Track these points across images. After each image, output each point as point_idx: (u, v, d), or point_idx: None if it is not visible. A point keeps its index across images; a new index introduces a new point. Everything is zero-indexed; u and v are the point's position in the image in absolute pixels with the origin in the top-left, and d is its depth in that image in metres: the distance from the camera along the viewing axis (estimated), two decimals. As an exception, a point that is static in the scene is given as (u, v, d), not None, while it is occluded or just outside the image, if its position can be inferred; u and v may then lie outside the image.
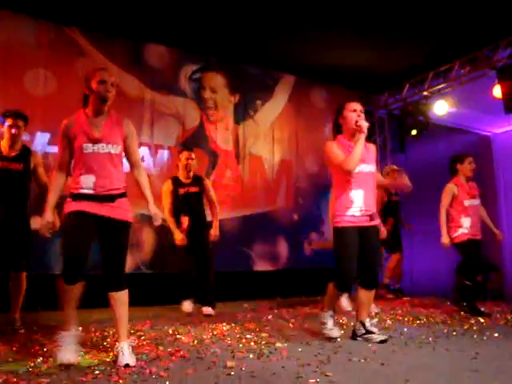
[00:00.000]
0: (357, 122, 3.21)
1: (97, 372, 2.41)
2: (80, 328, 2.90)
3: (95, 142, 2.64)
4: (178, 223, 4.53)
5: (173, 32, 5.71)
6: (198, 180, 4.74)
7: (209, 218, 4.84)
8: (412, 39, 5.80)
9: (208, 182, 4.91)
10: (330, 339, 3.23)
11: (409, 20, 5.35)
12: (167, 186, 4.64)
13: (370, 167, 3.29)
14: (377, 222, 3.33)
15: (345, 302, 4.57)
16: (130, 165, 2.83)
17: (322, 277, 4.41)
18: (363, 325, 3.26)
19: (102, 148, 2.64)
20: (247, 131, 6.60)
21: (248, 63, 6.59)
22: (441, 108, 6.84)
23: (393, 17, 5.29)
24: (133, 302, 2.77)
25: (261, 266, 6.35)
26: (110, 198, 2.64)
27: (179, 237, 4.50)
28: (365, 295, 3.28)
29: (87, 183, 2.62)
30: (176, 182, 4.64)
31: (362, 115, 3.27)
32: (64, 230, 2.68)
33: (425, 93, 6.88)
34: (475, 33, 5.63)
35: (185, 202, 4.58)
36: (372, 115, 7.79)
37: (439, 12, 5.16)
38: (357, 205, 3.19)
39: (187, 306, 4.61)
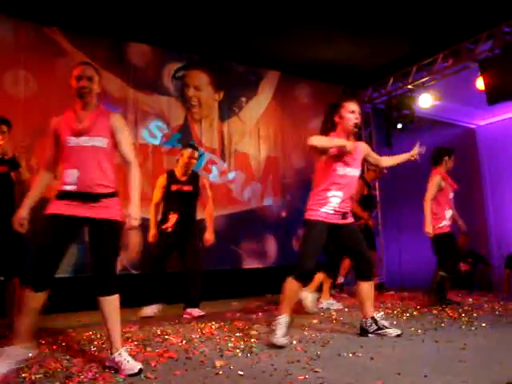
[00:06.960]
0: (356, 124, 3.17)
1: (82, 376, 2.37)
2: (31, 346, 2.50)
3: (78, 134, 2.53)
4: (166, 219, 4.45)
5: (155, 30, 5.65)
6: (194, 178, 4.59)
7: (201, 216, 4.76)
8: (395, 33, 5.81)
9: (205, 181, 4.77)
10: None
11: (392, 15, 5.36)
12: (161, 181, 4.56)
13: (354, 171, 3.26)
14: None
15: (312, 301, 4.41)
16: (123, 161, 2.70)
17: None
18: (375, 321, 3.21)
19: (85, 141, 2.53)
20: (232, 128, 6.56)
21: (232, 60, 6.55)
22: (425, 101, 6.87)
23: (376, 12, 5.29)
24: (121, 304, 2.63)
25: (249, 263, 6.33)
26: (93, 198, 2.50)
27: (151, 233, 4.47)
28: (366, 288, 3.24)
29: (71, 178, 2.51)
30: (170, 177, 4.53)
31: (359, 117, 3.19)
32: (36, 233, 2.53)
33: (409, 86, 6.91)
34: (457, 26, 5.66)
35: (175, 199, 4.48)
36: (357, 110, 7.81)
37: (421, 6, 5.18)
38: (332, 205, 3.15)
39: (148, 310, 4.36)
